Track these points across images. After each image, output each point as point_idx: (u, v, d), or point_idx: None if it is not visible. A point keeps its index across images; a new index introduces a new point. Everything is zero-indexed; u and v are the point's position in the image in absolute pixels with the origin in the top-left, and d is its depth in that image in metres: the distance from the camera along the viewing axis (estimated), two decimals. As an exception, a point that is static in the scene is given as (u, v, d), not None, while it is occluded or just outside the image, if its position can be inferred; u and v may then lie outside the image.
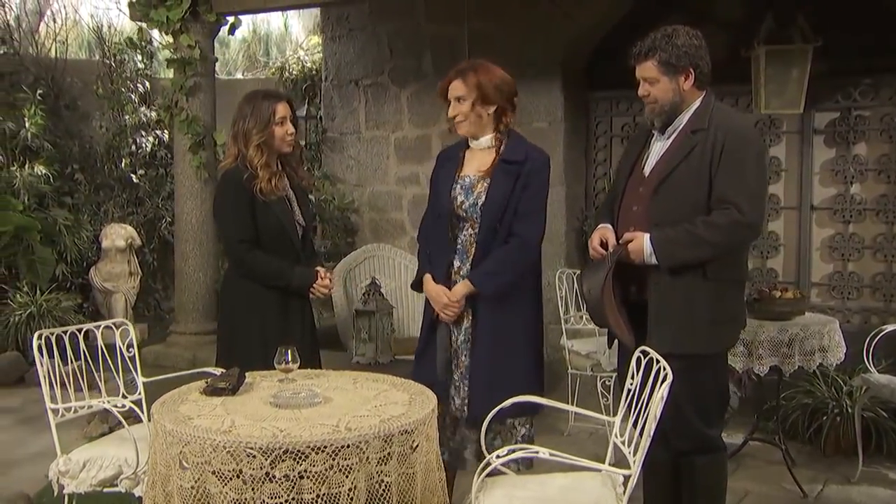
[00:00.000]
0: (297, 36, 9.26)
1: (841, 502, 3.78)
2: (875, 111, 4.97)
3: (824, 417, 4.27)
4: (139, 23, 5.15)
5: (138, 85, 7.15)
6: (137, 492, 2.66)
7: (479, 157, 3.01)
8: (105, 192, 6.79)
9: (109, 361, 3.12)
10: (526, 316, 3.00)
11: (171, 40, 4.98)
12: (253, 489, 2.02)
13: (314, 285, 3.23)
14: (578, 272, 4.91)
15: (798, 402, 4.41)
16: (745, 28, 4.85)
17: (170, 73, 5.21)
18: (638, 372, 2.55)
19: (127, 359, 3.09)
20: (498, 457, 2.41)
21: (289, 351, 2.50)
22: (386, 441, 2.11)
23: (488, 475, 2.46)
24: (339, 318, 5.12)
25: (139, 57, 7.06)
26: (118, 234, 6.29)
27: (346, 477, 2.05)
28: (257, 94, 3.27)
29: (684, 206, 2.73)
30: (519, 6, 5.39)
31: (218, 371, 2.77)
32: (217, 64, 5.38)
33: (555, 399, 4.01)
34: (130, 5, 4.98)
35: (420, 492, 2.22)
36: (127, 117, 7.03)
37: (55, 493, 2.80)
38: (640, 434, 2.37)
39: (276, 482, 2.02)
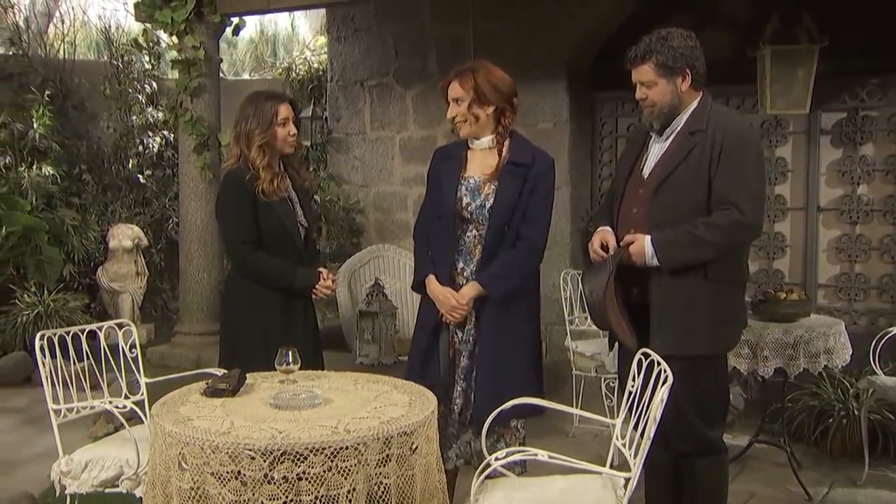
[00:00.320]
0: (304, 36, 9.28)
1: (846, 505, 3.77)
2: (882, 111, 4.93)
3: (830, 420, 4.24)
4: (144, 24, 5.16)
5: (145, 85, 7.18)
6: (138, 492, 2.66)
7: (482, 158, 3.01)
8: (112, 193, 6.82)
9: (112, 362, 3.13)
10: (527, 318, 3.01)
11: (176, 41, 5.00)
12: (251, 491, 2.03)
13: (317, 286, 3.24)
14: (582, 273, 4.91)
15: (804, 404, 4.39)
16: (750, 28, 4.84)
17: (176, 74, 5.23)
18: (639, 374, 2.55)
19: (130, 359, 3.10)
20: (497, 459, 2.41)
21: (290, 352, 2.50)
22: (385, 443, 2.11)
23: (488, 477, 2.46)
24: (343, 318, 5.13)
25: (146, 58, 7.08)
26: (125, 235, 6.31)
27: (345, 479, 2.06)
28: (259, 95, 3.27)
29: (684, 208, 2.73)
30: (524, 7, 5.39)
31: (220, 372, 2.78)
32: (224, 64, 5.40)
33: (559, 400, 4.01)
34: (136, 6, 5.01)
35: (419, 493, 2.22)
36: (134, 118, 7.07)
37: (57, 494, 2.81)
38: (641, 436, 2.36)
39: (275, 484, 2.03)
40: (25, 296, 5.71)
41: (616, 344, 3.00)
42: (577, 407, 4.41)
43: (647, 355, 2.55)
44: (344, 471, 2.05)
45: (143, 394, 3.12)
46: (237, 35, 5.23)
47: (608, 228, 2.89)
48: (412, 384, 2.56)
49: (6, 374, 5.54)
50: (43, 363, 2.78)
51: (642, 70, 2.76)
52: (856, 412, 4.14)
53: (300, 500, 2.03)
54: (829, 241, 5.10)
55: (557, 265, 5.28)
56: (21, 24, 7.19)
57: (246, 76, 8.92)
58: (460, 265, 2.99)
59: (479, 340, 2.95)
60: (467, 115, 2.94)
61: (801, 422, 4.36)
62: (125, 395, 3.07)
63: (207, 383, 2.48)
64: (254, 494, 2.03)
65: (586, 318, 4.86)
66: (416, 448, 2.21)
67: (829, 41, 4.54)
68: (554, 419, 4.54)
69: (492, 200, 2.92)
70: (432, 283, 2.98)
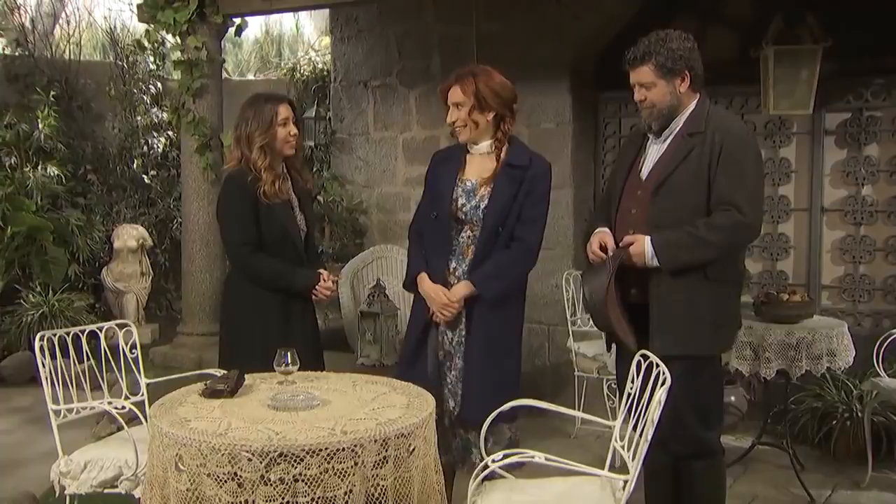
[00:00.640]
0: (309, 37, 9.28)
1: (849, 508, 3.76)
2: (887, 112, 4.90)
3: (834, 422, 4.23)
4: (147, 24, 5.17)
5: (150, 86, 7.20)
6: (137, 493, 2.67)
7: (480, 162, 3.02)
8: (117, 193, 6.83)
9: (113, 363, 3.14)
10: (515, 319, 3.03)
11: (178, 42, 5.01)
12: (248, 492, 2.03)
13: (316, 287, 3.24)
14: (582, 275, 4.90)
15: (807, 405, 4.37)
16: (754, 28, 4.81)
17: (179, 75, 5.24)
18: (638, 375, 2.54)
19: (130, 360, 3.11)
20: (494, 461, 2.40)
21: (288, 353, 2.51)
22: (382, 445, 2.11)
23: (486, 478, 2.46)
24: (345, 319, 5.14)
25: (151, 58, 7.10)
26: (130, 235, 6.33)
27: (342, 480, 2.06)
28: (259, 96, 3.29)
29: (683, 209, 2.74)
30: (527, 7, 5.38)
31: (219, 373, 2.78)
32: (230, 65, 5.40)
33: (562, 401, 4.01)
34: (138, 7, 5.01)
35: (417, 495, 2.22)
36: (139, 118, 7.08)
37: (56, 494, 2.82)
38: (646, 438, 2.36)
39: (272, 485, 2.03)
40: (30, 296, 5.73)
41: (614, 345, 3.00)
42: (579, 408, 4.42)
43: (645, 357, 2.54)
44: (340, 472, 2.06)
45: (143, 394, 3.13)
46: (239, 36, 5.23)
47: (606, 230, 2.89)
48: (411, 385, 2.56)
49: (11, 374, 5.58)
50: (43, 364, 2.79)
51: (641, 71, 2.76)
52: (859, 414, 4.12)
53: (297, 502, 2.03)
54: (833, 242, 5.07)
55: (560, 266, 5.27)
56: (27, 24, 7.22)
57: (251, 77, 8.93)
58: (453, 265, 3.00)
59: (468, 340, 2.96)
60: (467, 121, 2.95)
61: (805, 424, 4.35)
62: (125, 395, 3.08)
63: (206, 384, 2.49)
64: (250, 496, 2.03)
65: (589, 320, 4.85)
66: (414, 450, 2.21)
67: (833, 41, 4.51)
68: (557, 420, 4.54)
69: (486, 202, 2.92)
70: (424, 280, 2.99)
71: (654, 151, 2.86)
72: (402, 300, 5.09)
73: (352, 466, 2.06)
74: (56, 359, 2.85)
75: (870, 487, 3.90)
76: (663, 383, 2.33)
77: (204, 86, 4.96)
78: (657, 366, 2.44)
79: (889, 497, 3.83)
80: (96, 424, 4.38)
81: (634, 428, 2.47)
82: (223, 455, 2.02)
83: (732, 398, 4.61)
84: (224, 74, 6.74)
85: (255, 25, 9.48)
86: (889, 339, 4.07)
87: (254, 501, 2.02)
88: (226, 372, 2.61)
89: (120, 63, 7.18)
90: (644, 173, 2.86)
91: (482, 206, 2.93)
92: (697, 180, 2.72)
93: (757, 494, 3.85)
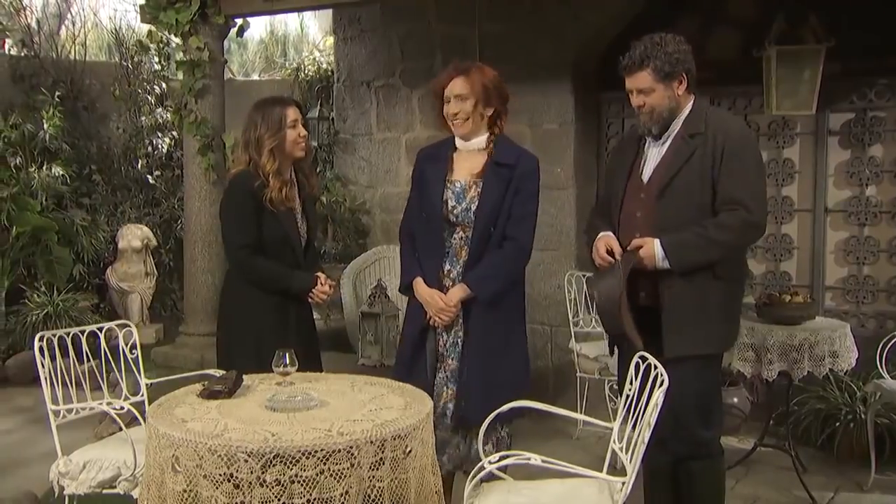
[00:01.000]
0: (314, 37, 9.29)
1: (851, 510, 3.74)
2: (891, 112, 4.88)
3: (837, 423, 4.21)
4: (149, 25, 5.18)
5: (155, 86, 7.22)
6: (136, 494, 2.67)
7: (470, 160, 3.00)
8: (122, 193, 6.85)
9: (112, 364, 3.15)
10: (514, 319, 3.01)
11: (180, 42, 5.02)
12: (244, 493, 2.02)
13: (313, 290, 3.23)
14: (588, 275, 4.88)
15: (811, 407, 4.36)
16: (757, 28, 4.79)
17: (181, 75, 5.24)
18: (636, 377, 2.54)
19: (130, 360, 3.12)
20: (490, 462, 2.40)
21: (287, 354, 2.50)
22: (379, 446, 2.10)
23: (483, 480, 2.46)
24: (348, 319, 5.14)
25: (156, 58, 7.12)
26: (134, 235, 6.35)
27: (338, 482, 2.05)
28: (266, 100, 3.28)
29: (690, 210, 2.75)
30: (530, 8, 5.37)
31: (218, 373, 2.78)
32: (234, 65, 5.40)
33: (564, 402, 4.01)
34: (140, 8, 5.02)
35: (414, 497, 2.21)
36: (143, 119, 7.10)
37: (55, 495, 2.83)
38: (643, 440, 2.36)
39: (267, 486, 2.02)
40: (35, 296, 5.76)
41: (616, 348, 3.00)
42: (581, 409, 4.41)
43: (644, 358, 2.54)
44: (337, 474, 2.05)
45: (142, 395, 3.14)
46: (241, 36, 5.22)
47: (610, 233, 2.89)
48: (409, 387, 2.56)
49: (15, 374, 5.60)
50: (42, 364, 2.80)
51: (640, 77, 2.76)
52: (863, 416, 4.11)
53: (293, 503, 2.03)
54: (837, 242, 5.05)
55: (563, 267, 5.26)
56: (33, 25, 7.25)
57: (255, 77, 8.94)
58: (447, 267, 2.99)
59: (466, 343, 2.95)
60: (471, 114, 2.92)
61: (808, 425, 4.33)
62: (125, 396, 3.09)
63: (204, 385, 2.49)
64: (246, 497, 2.03)
65: (591, 320, 4.85)
66: (411, 451, 2.20)
67: (836, 41, 4.50)
68: (559, 421, 4.53)
69: (476, 203, 2.91)
70: (420, 285, 2.98)
71: (654, 154, 2.86)
72: (403, 301, 5.08)
73: (348, 468, 2.05)
74: (56, 360, 2.86)
75: (873, 490, 3.88)
76: (661, 385, 2.33)
77: (206, 86, 4.96)
78: (655, 367, 2.44)
79: (892, 500, 3.81)
80: (99, 424, 4.39)
81: (634, 428, 2.47)
82: (219, 456, 2.02)
83: (735, 400, 4.59)
84: (228, 74, 6.77)
85: (260, 26, 9.50)
86: (893, 341, 4.05)
87: (250, 503, 2.02)
88: (225, 373, 2.61)
89: (125, 63, 7.20)
90: (645, 176, 2.86)
91: (473, 208, 2.92)
92: (702, 181, 2.73)
93: (759, 496, 3.83)
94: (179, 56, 5.09)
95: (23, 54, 6.99)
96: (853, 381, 4.30)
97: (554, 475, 2.53)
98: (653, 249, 2.72)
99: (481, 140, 2.98)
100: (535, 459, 2.30)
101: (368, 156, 6.20)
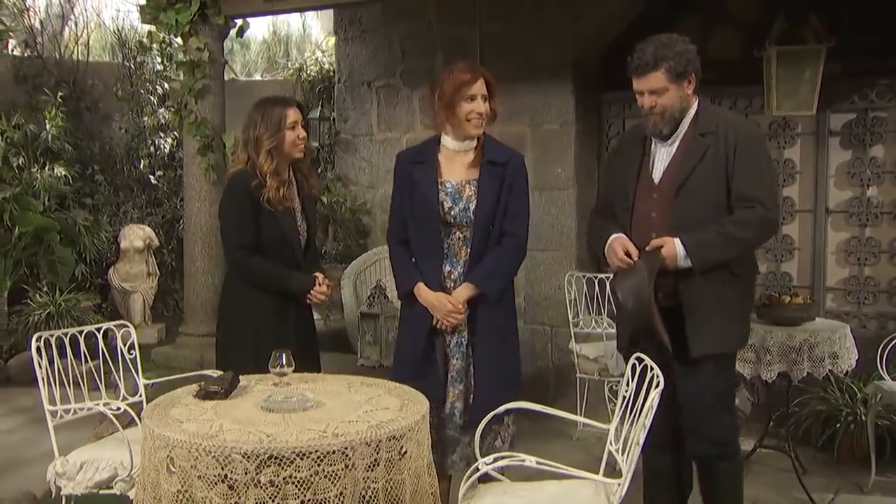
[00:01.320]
0: (316, 37, 9.30)
1: (851, 512, 3.73)
2: (892, 112, 4.87)
3: (837, 425, 4.20)
4: (149, 25, 5.19)
5: (157, 87, 7.23)
6: (132, 494, 2.67)
7: (456, 160, 2.99)
8: (124, 193, 6.88)
9: (111, 363, 3.15)
10: (512, 315, 3.04)
11: (181, 43, 5.03)
12: (239, 494, 2.03)
13: (311, 291, 3.23)
14: (588, 276, 4.88)
15: (811, 408, 4.34)
16: (757, 28, 4.79)
17: (182, 76, 5.25)
18: (633, 378, 2.54)
19: (129, 361, 3.12)
20: (485, 464, 2.40)
21: (283, 354, 2.50)
22: (374, 447, 2.10)
23: (480, 480, 2.46)
24: (348, 320, 5.14)
25: (158, 59, 7.13)
26: (136, 235, 6.37)
27: (333, 483, 2.05)
28: (267, 100, 3.28)
29: (706, 208, 2.76)
30: (530, 8, 5.37)
31: (216, 374, 2.79)
32: (237, 66, 5.41)
33: (564, 403, 4.00)
34: (141, 8, 5.03)
35: (409, 498, 2.21)
36: (146, 119, 7.12)
37: (53, 495, 2.83)
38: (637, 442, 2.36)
39: (262, 487, 2.02)
40: (38, 296, 5.77)
41: (615, 347, 3.00)
42: (581, 410, 4.40)
43: (640, 360, 2.54)
44: (331, 475, 2.05)
45: (141, 395, 3.14)
46: (241, 37, 5.23)
47: (622, 235, 2.87)
48: (406, 388, 2.55)
49: (17, 374, 5.61)
50: (39, 364, 2.80)
51: (653, 77, 2.74)
52: (863, 417, 4.09)
53: (287, 505, 2.03)
54: (838, 243, 5.04)
55: (563, 267, 5.26)
56: (37, 26, 7.27)
57: (257, 77, 8.96)
58: (447, 269, 2.98)
59: (473, 342, 2.94)
60: (488, 113, 2.94)
61: (808, 427, 4.32)
62: (122, 396, 3.09)
63: (200, 385, 2.49)
64: (241, 498, 2.03)
65: (591, 321, 4.84)
66: (406, 452, 2.20)
67: (837, 42, 4.49)
68: (559, 422, 4.50)
69: (475, 203, 2.91)
70: (423, 290, 2.95)
71: (664, 154, 2.85)
72: (404, 301, 5.09)
73: (342, 469, 2.05)
74: (54, 360, 2.86)
75: (873, 491, 3.87)
76: (657, 386, 2.33)
77: (206, 87, 4.97)
78: (651, 369, 2.44)
79: (892, 501, 3.79)
80: (99, 425, 4.40)
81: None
82: (214, 457, 2.02)
83: (736, 401, 4.58)
84: (231, 75, 6.78)
85: (263, 26, 9.53)
86: (893, 342, 4.04)
87: (244, 504, 2.03)
88: (222, 373, 2.61)
89: (127, 64, 7.22)
90: (656, 176, 2.85)
91: (471, 208, 2.92)
92: (716, 180, 2.74)
93: (759, 498, 3.82)
94: (179, 56, 5.09)
95: (26, 55, 7.02)
96: (854, 383, 4.29)
97: (550, 476, 2.53)
98: (674, 249, 2.71)
99: (474, 140, 2.98)
100: (530, 461, 2.30)
101: (369, 156, 6.21)
